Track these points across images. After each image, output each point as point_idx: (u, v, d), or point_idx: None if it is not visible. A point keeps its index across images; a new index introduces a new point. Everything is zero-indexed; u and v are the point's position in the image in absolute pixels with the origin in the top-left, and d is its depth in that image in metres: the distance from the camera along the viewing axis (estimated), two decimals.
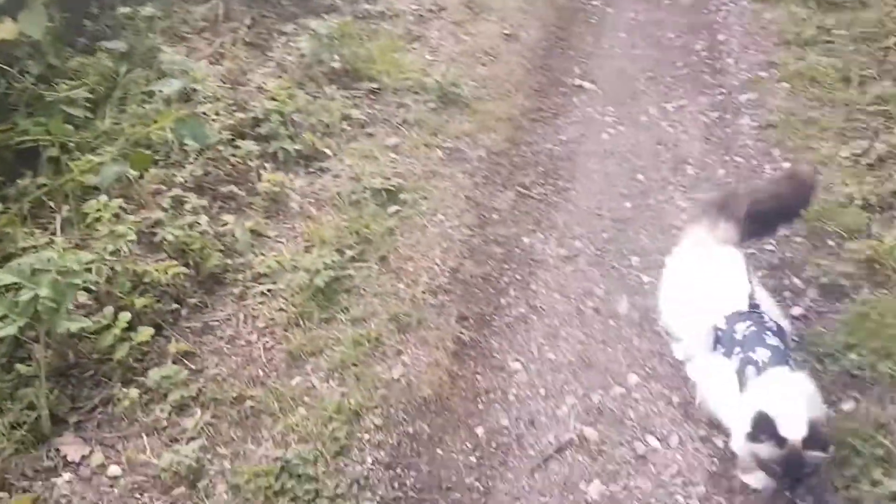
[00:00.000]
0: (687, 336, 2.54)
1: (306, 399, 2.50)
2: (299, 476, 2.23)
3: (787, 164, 3.74)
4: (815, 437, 1.95)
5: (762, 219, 2.70)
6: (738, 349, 2.23)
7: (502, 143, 3.98)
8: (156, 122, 3.07)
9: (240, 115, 3.63)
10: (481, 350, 2.83)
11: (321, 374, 2.60)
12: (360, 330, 2.76)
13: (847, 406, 2.48)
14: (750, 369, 2.15)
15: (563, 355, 2.80)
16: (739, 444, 2.13)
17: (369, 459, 2.35)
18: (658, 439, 2.47)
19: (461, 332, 2.86)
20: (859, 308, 2.80)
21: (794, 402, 2.04)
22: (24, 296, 2.23)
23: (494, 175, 3.75)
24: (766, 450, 2.00)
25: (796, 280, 3.06)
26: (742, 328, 2.27)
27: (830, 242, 3.19)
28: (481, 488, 2.33)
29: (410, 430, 2.48)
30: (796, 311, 2.91)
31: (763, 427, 1.98)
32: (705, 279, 2.51)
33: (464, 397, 2.63)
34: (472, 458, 2.43)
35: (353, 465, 2.32)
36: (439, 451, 2.44)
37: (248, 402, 2.48)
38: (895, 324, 2.66)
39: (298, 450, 2.30)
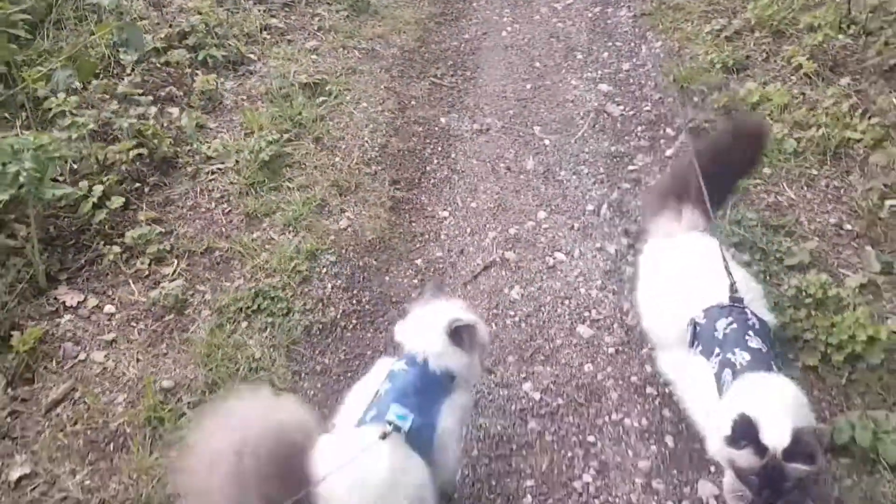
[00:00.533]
0: (665, 332, 2.26)
1: (267, 247, 2.91)
2: (272, 298, 2.65)
3: (658, 44, 4.30)
4: (798, 447, 1.71)
5: (721, 189, 2.39)
6: (717, 350, 2.00)
7: (412, 42, 4.41)
8: (93, 34, 3.34)
9: (167, 29, 3.90)
10: (413, 205, 3.28)
11: (277, 228, 3.01)
12: (306, 194, 3.17)
13: None
14: (727, 373, 1.94)
15: (483, 203, 3.29)
16: (716, 449, 1.91)
17: (329, 285, 2.79)
18: (564, 254, 3.00)
19: (395, 193, 3.31)
20: None
21: (777, 409, 1.81)
22: (10, 169, 2.52)
23: (408, 69, 4.17)
24: (744, 457, 1.77)
25: (669, 130, 3.63)
26: (722, 325, 2.02)
27: (696, 98, 3.78)
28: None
29: (361, 263, 2.93)
30: (669, 151, 3.49)
31: (743, 431, 1.75)
32: (680, 271, 2.25)
33: (403, 239, 3.09)
34: (415, 281, 2.90)
35: (316, 290, 2.75)
36: (387, 277, 2.90)
37: (217, 252, 2.87)
38: None
39: (268, 282, 2.73)
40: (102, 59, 3.62)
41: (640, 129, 3.64)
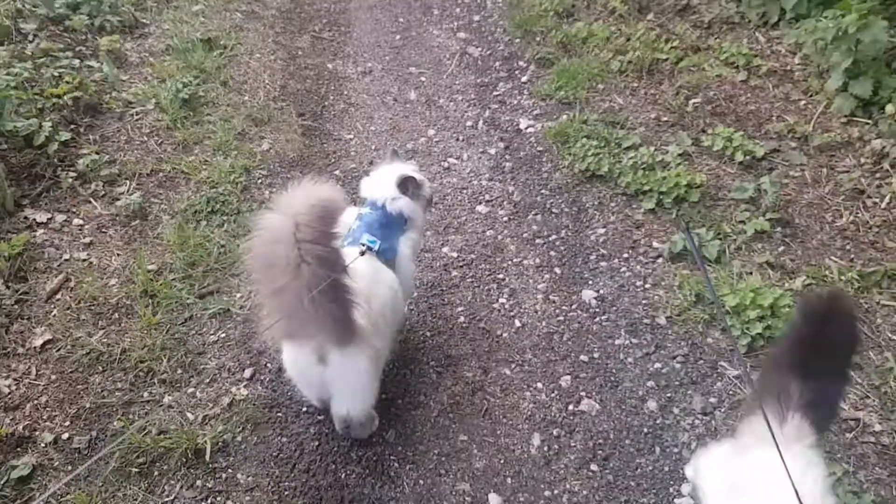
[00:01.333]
0: None
1: (204, 167, 3.35)
2: (222, 202, 3.12)
3: (500, 0, 5.09)
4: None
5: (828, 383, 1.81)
6: None
7: (288, 4, 4.92)
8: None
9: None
10: (322, 131, 3.83)
11: (208, 152, 3.45)
12: (227, 126, 3.62)
13: (563, 118, 3.86)
14: None
15: (380, 127, 3.89)
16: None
17: (266, 192, 3.29)
18: (455, 158, 3.68)
19: (303, 122, 3.83)
20: (560, 68, 4.22)
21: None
22: None
23: (289, 26, 4.68)
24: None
25: (521, 62, 4.42)
26: None
27: (538, 38, 4.60)
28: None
29: (289, 175, 3.44)
30: (524, 78, 4.27)
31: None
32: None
33: (319, 156, 3.62)
34: (337, 186, 3.45)
35: (256, 195, 3.24)
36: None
37: (161, 173, 3.28)
38: (580, 72, 4.11)
39: (214, 191, 3.18)
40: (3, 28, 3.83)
41: (497, 63, 4.39)
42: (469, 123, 3.86)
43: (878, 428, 2.37)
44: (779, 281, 2.85)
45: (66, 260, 2.79)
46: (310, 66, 4.31)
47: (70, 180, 3.07)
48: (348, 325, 1.95)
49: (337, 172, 3.51)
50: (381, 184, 2.42)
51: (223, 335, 2.60)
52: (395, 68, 4.36)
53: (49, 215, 2.96)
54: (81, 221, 2.97)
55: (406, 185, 2.38)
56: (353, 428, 2.27)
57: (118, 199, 3.07)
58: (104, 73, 3.65)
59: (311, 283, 1.81)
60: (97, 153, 3.27)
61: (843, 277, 2.87)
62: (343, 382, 2.10)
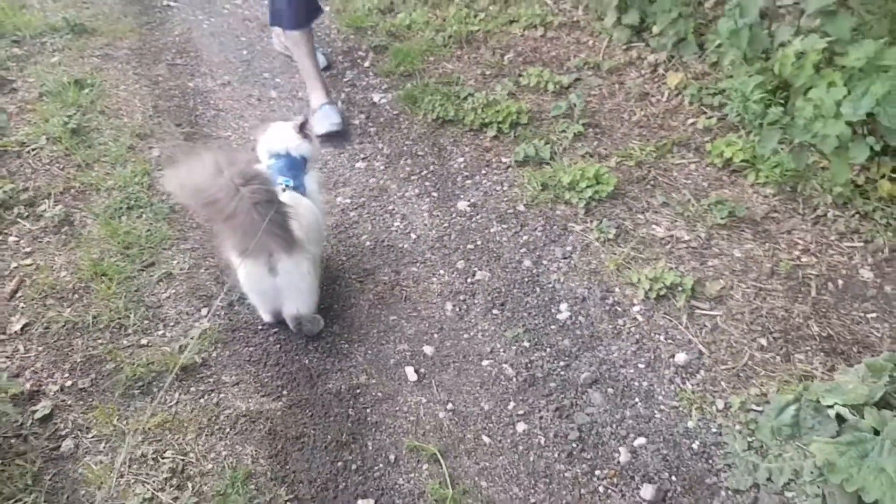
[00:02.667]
0: None
1: (109, 177, 3.77)
2: (136, 198, 3.57)
3: (327, 8, 5.78)
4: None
5: None
6: None
7: (136, 44, 5.34)
8: None
9: None
10: (201, 134, 4.32)
11: (108, 167, 3.87)
12: (117, 143, 4.06)
13: (408, 86, 4.57)
14: None
15: (252, 122, 4.44)
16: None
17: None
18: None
19: (182, 130, 4.32)
20: (395, 50, 4.96)
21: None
22: None
23: (144, 60, 5.12)
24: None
25: (360, 52, 5.12)
26: None
27: (369, 32, 5.31)
28: None
29: None
30: (366, 64, 4.97)
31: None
32: None
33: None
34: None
35: (161, 189, 3.72)
36: None
37: (73, 189, 3.67)
38: (412, 51, 4.87)
39: (125, 193, 3.62)
40: None
41: (340, 57, 5.07)
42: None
43: (686, 237, 3.24)
44: (598, 162, 3.70)
45: (14, 268, 3.15)
46: (173, 87, 4.78)
47: None
48: (291, 235, 2.54)
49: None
50: (279, 137, 2.99)
51: (172, 291, 3.08)
52: (250, 77, 4.92)
53: None
54: (16, 238, 3.33)
55: (304, 128, 2.97)
56: (304, 325, 2.84)
57: (42, 216, 3.44)
58: None
59: (255, 203, 2.39)
60: (11, 184, 3.61)
61: (643, 152, 3.76)
62: (292, 285, 2.67)
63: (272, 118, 4.30)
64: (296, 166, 2.96)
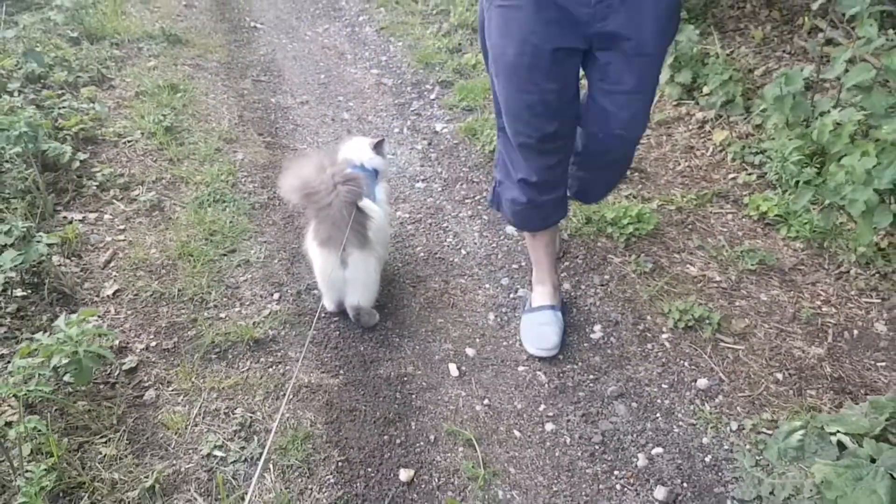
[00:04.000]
0: None
1: (197, 173, 4.20)
2: (221, 194, 3.98)
3: (400, 44, 6.25)
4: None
5: None
6: None
7: (225, 58, 5.85)
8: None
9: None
10: (280, 145, 4.75)
11: (196, 164, 4.30)
12: (206, 144, 4.50)
13: (469, 119, 4.96)
14: None
15: (325, 139, 4.85)
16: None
17: (251, 187, 4.17)
18: (391, 155, 4.69)
19: (264, 140, 4.75)
20: (459, 86, 5.37)
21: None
22: (14, 132, 3.58)
23: (231, 73, 5.61)
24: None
25: (427, 86, 5.53)
26: None
27: (437, 68, 5.74)
28: None
29: (264, 175, 4.34)
30: (432, 96, 5.38)
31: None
32: None
33: (283, 161, 4.54)
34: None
35: (244, 189, 4.13)
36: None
37: (164, 179, 4.10)
38: (475, 87, 5.27)
39: (212, 188, 4.04)
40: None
41: (408, 88, 5.49)
42: (396, 130, 4.90)
43: (718, 278, 3.52)
44: (641, 203, 4.01)
45: (108, 241, 3.56)
46: (257, 101, 5.24)
47: (93, 189, 3.84)
48: (365, 233, 2.90)
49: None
50: (357, 150, 3.37)
51: (249, 276, 3.45)
52: (326, 98, 5.36)
53: (83, 215, 3.71)
54: (110, 217, 3.74)
55: (380, 147, 3.34)
56: (362, 316, 3.18)
57: (135, 200, 3.86)
58: (97, 111, 4.43)
59: (346, 201, 2.77)
60: (109, 168, 4.05)
61: (684, 199, 4.06)
62: (358, 278, 3.02)
63: (345, 135, 4.71)
64: (368, 177, 3.32)
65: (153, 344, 3.03)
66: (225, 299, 3.29)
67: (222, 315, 3.20)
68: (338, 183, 2.76)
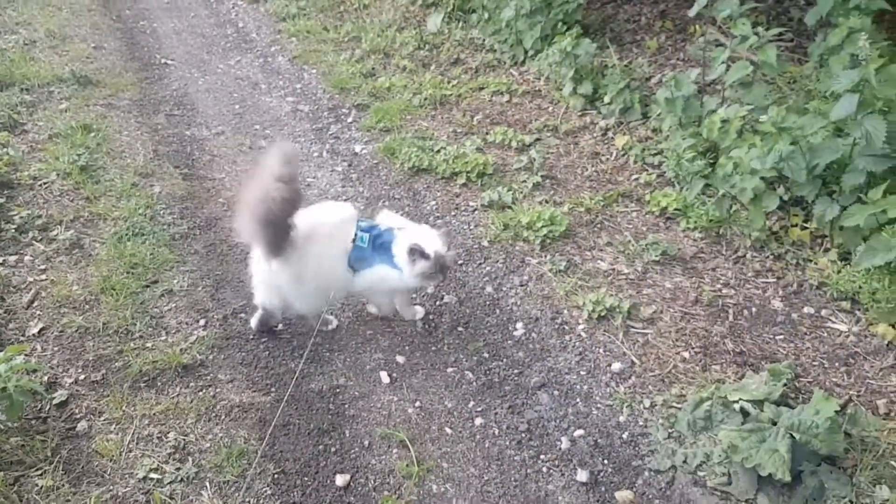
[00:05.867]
0: None
1: (115, 209, 4.20)
2: (140, 226, 3.99)
3: (314, 71, 6.37)
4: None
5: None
6: None
7: (137, 95, 5.84)
8: None
9: None
10: (197, 176, 4.76)
11: (113, 200, 4.29)
12: (122, 180, 4.50)
13: (387, 139, 5.10)
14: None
15: (243, 167, 4.90)
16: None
17: (169, 218, 4.20)
18: (312, 178, 4.78)
19: (180, 172, 4.77)
20: (376, 108, 5.52)
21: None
22: None
23: (144, 110, 5.61)
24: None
25: (344, 110, 5.66)
26: None
27: (352, 92, 5.88)
28: None
29: (183, 205, 4.37)
30: (349, 119, 5.51)
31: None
32: None
33: (201, 191, 4.57)
34: (225, 209, 4.43)
35: (163, 220, 4.15)
36: (205, 209, 4.39)
37: (83, 218, 4.09)
38: (391, 109, 5.43)
39: (130, 223, 4.05)
40: None
41: (325, 113, 5.61)
42: (316, 154, 5.00)
43: (626, 270, 3.74)
44: (553, 207, 4.22)
45: (30, 281, 3.54)
46: (171, 134, 5.25)
47: (12, 232, 3.80)
48: (281, 243, 2.90)
49: (220, 199, 4.47)
50: (406, 238, 3.01)
51: (173, 305, 3.48)
52: (242, 128, 5.42)
53: (3, 258, 3.67)
54: (31, 258, 3.71)
55: (413, 255, 2.96)
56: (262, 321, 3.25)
57: (55, 239, 3.83)
58: (10, 156, 4.39)
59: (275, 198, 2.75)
60: (27, 210, 4.01)
61: (592, 201, 4.30)
62: (277, 284, 3.06)
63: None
64: (386, 251, 3.05)
65: (82, 377, 3.04)
66: (150, 329, 3.32)
67: (149, 344, 3.22)
68: (276, 178, 2.76)
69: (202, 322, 3.38)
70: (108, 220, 4.07)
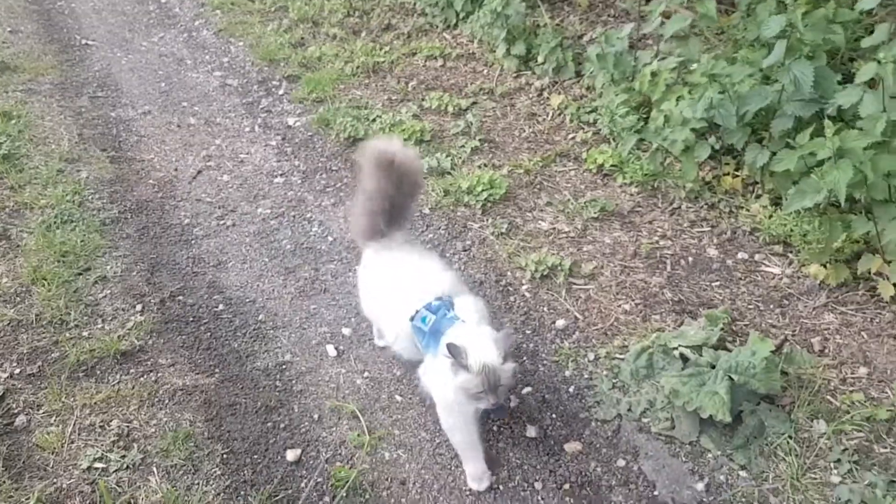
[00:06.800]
0: None
1: (42, 197, 4.04)
2: (69, 213, 3.85)
3: (241, 44, 6.20)
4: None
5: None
6: None
7: (59, 79, 5.60)
8: None
9: None
10: (125, 157, 4.60)
11: (39, 187, 4.13)
12: (47, 167, 4.32)
13: (321, 110, 5.01)
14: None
15: (173, 146, 4.75)
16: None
17: (98, 203, 4.06)
18: (245, 154, 4.67)
19: (108, 155, 4.60)
20: (307, 79, 5.40)
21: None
22: None
23: (66, 93, 5.38)
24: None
25: (275, 82, 5.53)
26: None
27: (282, 63, 5.74)
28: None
29: (111, 189, 4.23)
30: (281, 92, 5.39)
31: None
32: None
33: (131, 173, 4.42)
34: (155, 189, 4.31)
35: (93, 205, 4.01)
36: (135, 191, 4.25)
37: (7, 208, 3.93)
38: (323, 79, 5.32)
39: (58, 210, 3.90)
40: None
41: (255, 87, 5.47)
42: (248, 130, 4.88)
43: (566, 229, 3.78)
44: (492, 171, 4.22)
45: None
46: (96, 117, 5.06)
47: None
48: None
49: (150, 181, 4.34)
50: (453, 335, 2.34)
51: (108, 292, 3.38)
52: (169, 106, 5.25)
53: None
54: None
55: (451, 360, 2.26)
56: None
57: None
58: None
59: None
60: None
61: (531, 162, 4.31)
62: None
63: (193, 145, 4.66)
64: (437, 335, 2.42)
65: (17, 371, 2.94)
66: (86, 317, 3.22)
67: (85, 333, 3.13)
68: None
69: (139, 307, 3.30)
70: (35, 209, 3.92)
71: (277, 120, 4.97)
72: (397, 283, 2.60)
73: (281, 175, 4.37)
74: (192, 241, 3.78)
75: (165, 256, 3.65)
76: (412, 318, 2.49)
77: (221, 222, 3.93)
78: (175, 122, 5.03)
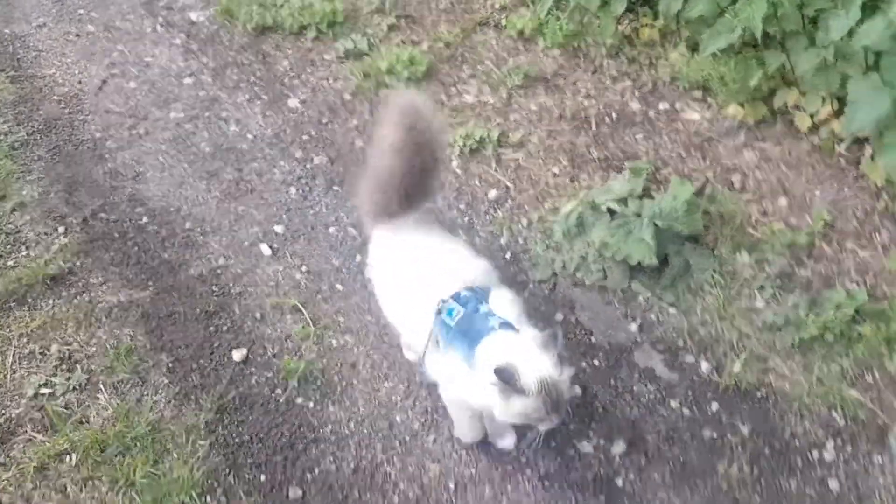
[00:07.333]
0: None
1: None
2: None
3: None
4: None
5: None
6: None
7: None
8: None
9: None
10: (25, 75, 4.34)
11: None
12: None
13: (223, 2, 4.72)
14: None
15: (78, 56, 4.47)
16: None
17: (3, 126, 3.84)
18: (150, 57, 4.40)
19: (7, 75, 4.31)
20: None
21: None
22: None
23: None
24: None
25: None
26: None
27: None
28: None
29: (18, 111, 3.99)
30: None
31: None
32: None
33: (34, 91, 4.17)
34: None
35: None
36: None
37: None
38: None
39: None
40: None
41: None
42: (149, 31, 4.59)
43: (491, 100, 3.72)
44: (411, 48, 4.08)
45: None
46: None
47: None
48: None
49: (56, 98, 4.11)
50: (496, 348, 1.93)
51: (28, 217, 3.26)
52: (65, 15, 4.88)
53: None
54: None
55: (502, 376, 1.83)
56: None
57: None
58: None
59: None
60: None
61: (451, 34, 4.18)
62: None
63: (95, 53, 4.40)
64: (468, 337, 1.98)
65: None
66: (8, 247, 3.13)
67: (10, 263, 3.05)
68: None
69: (61, 229, 3.21)
70: None
71: (179, 16, 4.69)
72: (420, 271, 2.17)
73: (190, 75, 4.18)
74: (107, 156, 3.63)
75: (81, 174, 3.51)
76: (438, 312, 2.05)
77: (134, 132, 3.76)
78: (73, 31, 4.71)
